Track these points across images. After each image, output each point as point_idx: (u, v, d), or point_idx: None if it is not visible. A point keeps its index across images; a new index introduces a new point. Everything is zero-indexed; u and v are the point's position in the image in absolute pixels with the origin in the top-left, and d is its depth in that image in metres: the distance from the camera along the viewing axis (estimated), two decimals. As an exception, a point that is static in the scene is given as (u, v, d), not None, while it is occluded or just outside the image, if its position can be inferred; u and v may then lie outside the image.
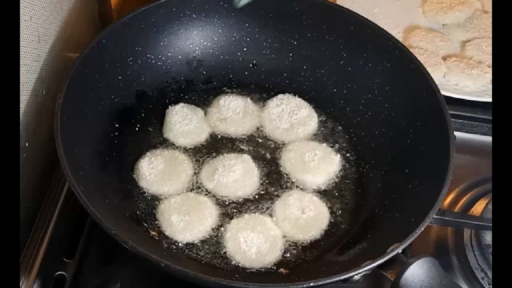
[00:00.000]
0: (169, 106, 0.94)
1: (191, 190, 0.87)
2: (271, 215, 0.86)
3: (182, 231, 0.81)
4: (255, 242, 0.81)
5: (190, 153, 0.92)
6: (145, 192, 0.86)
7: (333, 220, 0.87)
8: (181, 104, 0.95)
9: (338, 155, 0.92)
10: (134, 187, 0.87)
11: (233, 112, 0.96)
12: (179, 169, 0.88)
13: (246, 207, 0.87)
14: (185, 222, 0.82)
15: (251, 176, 0.89)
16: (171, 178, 0.86)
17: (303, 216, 0.85)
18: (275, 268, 0.80)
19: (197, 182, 0.88)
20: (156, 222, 0.83)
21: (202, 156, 0.91)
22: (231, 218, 0.85)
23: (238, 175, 0.88)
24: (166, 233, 0.82)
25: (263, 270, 0.80)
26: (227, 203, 0.87)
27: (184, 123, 0.92)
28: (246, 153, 0.92)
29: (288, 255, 0.82)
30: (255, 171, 0.90)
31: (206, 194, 0.87)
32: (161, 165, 0.87)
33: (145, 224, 0.83)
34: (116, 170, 0.87)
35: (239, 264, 0.80)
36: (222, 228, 0.84)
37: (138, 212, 0.84)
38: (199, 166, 0.90)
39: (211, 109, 0.97)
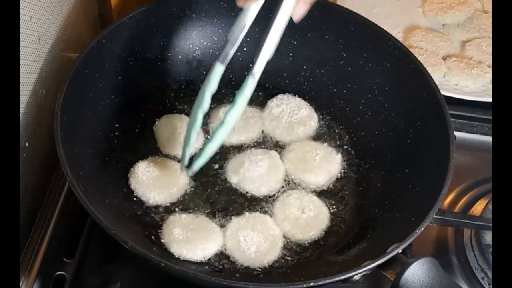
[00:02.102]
0: (156, 122, 0.93)
1: (181, 206, 0.86)
2: (271, 215, 0.86)
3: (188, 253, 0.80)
4: (254, 241, 0.81)
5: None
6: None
7: (333, 220, 0.87)
8: (164, 117, 0.94)
9: (339, 155, 0.92)
10: (134, 187, 0.87)
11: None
12: (172, 181, 0.86)
13: (246, 206, 0.86)
14: (189, 248, 0.79)
15: (277, 173, 0.88)
16: (162, 186, 0.85)
17: (303, 216, 0.85)
18: (274, 267, 0.80)
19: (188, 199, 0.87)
20: (161, 239, 0.82)
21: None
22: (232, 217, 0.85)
23: (264, 171, 0.87)
24: (170, 249, 0.80)
25: (262, 269, 0.80)
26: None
27: (178, 133, 0.92)
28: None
29: (288, 255, 0.82)
30: (281, 168, 0.89)
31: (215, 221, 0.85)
32: (157, 172, 0.87)
33: (146, 224, 0.83)
34: (116, 170, 0.87)
35: (239, 263, 0.80)
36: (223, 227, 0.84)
37: (138, 212, 0.84)
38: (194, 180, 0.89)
39: (216, 111, 0.96)
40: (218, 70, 0.80)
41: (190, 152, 0.83)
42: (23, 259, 0.81)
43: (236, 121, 0.79)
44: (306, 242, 0.84)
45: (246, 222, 0.83)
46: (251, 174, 0.87)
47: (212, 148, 0.80)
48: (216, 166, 0.90)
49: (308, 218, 0.85)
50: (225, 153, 0.92)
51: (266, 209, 0.86)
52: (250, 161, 0.88)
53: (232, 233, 0.82)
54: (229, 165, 0.90)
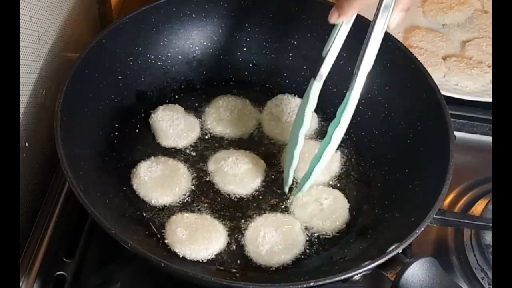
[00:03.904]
0: (151, 115, 0.94)
1: (183, 205, 0.86)
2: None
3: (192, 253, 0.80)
4: (271, 241, 0.81)
5: (190, 158, 0.91)
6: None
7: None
8: (160, 108, 0.94)
9: (338, 152, 0.92)
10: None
11: (231, 113, 0.96)
12: (175, 181, 0.87)
13: (248, 205, 0.87)
14: (193, 248, 0.80)
15: (250, 179, 0.88)
16: (164, 186, 0.86)
17: (323, 206, 0.85)
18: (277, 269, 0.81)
19: (190, 198, 0.87)
20: (162, 230, 0.82)
21: (202, 162, 0.91)
22: (236, 219, 0.85)
23: (240, 172, 0.88)
24: (175, 249, 0.80)
25: (265, 269, 0.80)
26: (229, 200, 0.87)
27: (175, 124, 0.92)
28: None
29: (297, 257, 0.82)
30: (258, 179, 0.89)
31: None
32: (159, 172, 0.87)
33: (146, 224, 0.83)
34: (116, 170, 0.87)
35: (244, 261, 0.80)
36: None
37: (138, 212, 0.84)
38: (196, 179, 0.89)
39: (209, 109, 0.97)
40: (316, 88, 0.80)
41: (293, 170, 0.84)
42: (23, 259, 0.81)
43: (340, 139, 0.80)
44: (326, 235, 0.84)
45: (272, 221, 0.83)
46: (227, 170, 0.87)
47: (320, 168, 0.81)
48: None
49: (328, 208, 0.85)
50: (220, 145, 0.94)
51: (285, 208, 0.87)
52: (235, 159, 0.88)
53: (256, 226, 0.83)
54: (216, 154, 0.91)
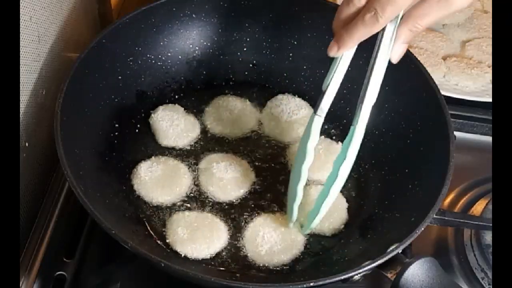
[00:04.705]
0: (151, 115, 0.94)
1: (184, 205, 0.86)
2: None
3: (193, 251, 0.80)
4: (271, 240, 0.81)
5: (190, 158, 0.92)
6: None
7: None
8: (160, 108, 0.94)
9: (340, 143, 0.92)
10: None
11: (231, 113, 0.96)
12: (176, 181, 0.87)
13: (248, 204, 0.87)
14: (195, 247, 0.80)
15: (237, 186, 0.88)
16: (165, 186, 0.86)
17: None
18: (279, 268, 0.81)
19: (191, 198, 0.87)
20: (163, 230, 0.82)
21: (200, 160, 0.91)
22: (236, 219, 0.85)
23: (227, 177, 0.87)
24: (176, 249, 0.80)
25: (265, 268, 0.80)
26: (232, 203, 0.87)
27: (175, 124, 0.92)
28: (246, 153, 0.92)
29: (298, 257, 0.82)
30: (245, 187, 0.88)
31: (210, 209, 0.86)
32: (160, 171, 0.87)
33: (146, 224, 0.83)
34: (116, 170, 0.87)
35: (245, 260, 0.80)
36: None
37: (138, 212, 0.84)
38: (196, 179, 0.89)
39: (209, 109, 0.97)
40: (316, 123, 0.76)
41: (297, 206, 0.79)
42: (23, 259, 0.81)
43: (348, 173, 0.76)
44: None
45: (271, 221, 0.83)
46: (215, 172, 0.87)
47: (328, 205, 0.77)
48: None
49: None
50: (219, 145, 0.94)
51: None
52: (228, 164, 0.88)
53: (255, 226, 0.83)
54: (212, 154, 0.91)
